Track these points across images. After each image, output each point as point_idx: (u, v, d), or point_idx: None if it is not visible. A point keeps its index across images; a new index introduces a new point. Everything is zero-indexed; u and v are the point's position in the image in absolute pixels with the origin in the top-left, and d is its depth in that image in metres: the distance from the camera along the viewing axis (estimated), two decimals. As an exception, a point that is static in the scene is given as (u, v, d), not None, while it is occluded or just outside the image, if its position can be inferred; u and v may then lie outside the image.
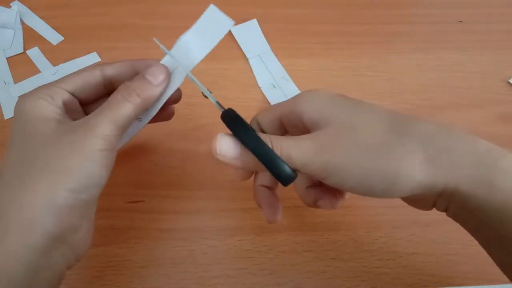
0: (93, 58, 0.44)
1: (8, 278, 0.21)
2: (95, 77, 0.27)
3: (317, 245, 0.33)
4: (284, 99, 0.41)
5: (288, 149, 0.23)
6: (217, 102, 0.27)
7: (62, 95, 0.26)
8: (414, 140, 0.23)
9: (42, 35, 0.46)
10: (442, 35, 0.47)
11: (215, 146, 0.25)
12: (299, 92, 0.41)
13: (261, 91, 0.42)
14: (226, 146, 0.25)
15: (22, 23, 0.47)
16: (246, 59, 0.44)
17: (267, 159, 0.23)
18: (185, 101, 0.41)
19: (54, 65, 0.44)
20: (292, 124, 0.27)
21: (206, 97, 0.27)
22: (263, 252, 0.33)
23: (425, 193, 0.23)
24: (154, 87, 0.26)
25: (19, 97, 0.25)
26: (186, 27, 0.30)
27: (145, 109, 0.26)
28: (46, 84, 0.26)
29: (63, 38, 0.46)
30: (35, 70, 0.43)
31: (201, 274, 0.32)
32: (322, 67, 0.44)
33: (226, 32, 0.28)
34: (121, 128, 0.25)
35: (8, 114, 0.40)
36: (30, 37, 0.46)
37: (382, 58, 0.45)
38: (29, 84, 0.42)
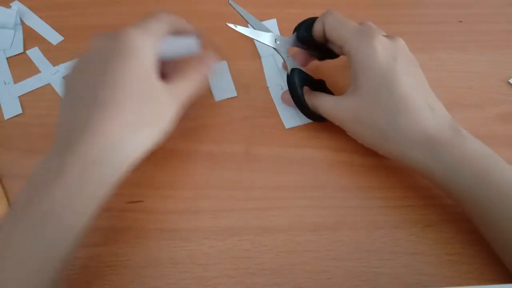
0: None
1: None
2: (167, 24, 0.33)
3: (317, 245, 0.33)
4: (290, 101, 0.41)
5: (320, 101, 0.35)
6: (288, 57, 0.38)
7: (163, 36, 0.32)
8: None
9: (42, 35, 0.46)
10: (442, 35, 0.47)
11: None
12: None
13: (269, 91, 0.42)
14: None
15: (22, 23, 0.47)
16: (259, 58, 0.44)
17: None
18: (185, 101, 0.41)
19: (54, 65, 0.44)
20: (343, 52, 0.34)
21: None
22: (263, 252, 0.33)
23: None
24: (212, 63, 0.36)
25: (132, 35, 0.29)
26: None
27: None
28: (151, 20, 0.32)
29: (63, 38, 0.46)
30: (35, 70, 0.43)
31: (201, 274, 0.32)
32: (322, 67, 0.44)
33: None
34: (194, 93, 0.33)
35: (8, 114, 0.40)
36: (30, 37, 0.46)
37: (382, 58, 0.45)
38: (29, 84, 0.42)
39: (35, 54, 0.45)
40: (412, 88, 0.30)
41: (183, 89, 0.31)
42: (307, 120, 0.39)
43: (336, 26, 0.33)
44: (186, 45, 0.35)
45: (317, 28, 0.35)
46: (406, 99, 0.30)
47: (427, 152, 0.29)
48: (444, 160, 0.28)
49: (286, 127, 0.39)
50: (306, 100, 0.36)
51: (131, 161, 0.28)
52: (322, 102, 0.34)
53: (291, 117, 0.40)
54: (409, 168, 0.34)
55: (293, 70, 0.36)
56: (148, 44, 0.28)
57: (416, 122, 0.29)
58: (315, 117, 0.37)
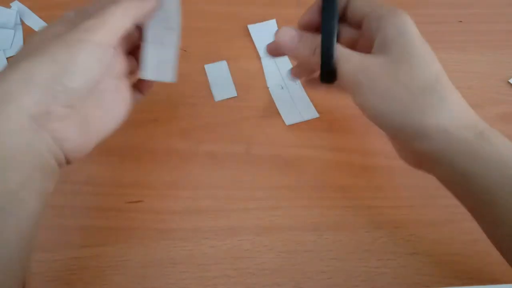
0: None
1: None
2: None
3: (317, 245, 0.33)
4: (291, 101, 0.41)
5: (344, 55, 0.27)
6: None
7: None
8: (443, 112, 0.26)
9: (42, 35, 0.46)
10: (442, 35, 0.47)
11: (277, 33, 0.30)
12: (305, 95, 0.41)
13: (268, 91, 0.42)
14: (287, 34, 0.30)
15: (22, 23, 0.47)
16: (259, 58, 0.44)
17: (327, 50, 0.27)
18: (185, 101, 0.41)
19: (54, 65, 0.44)
20: (367, 29, 0.28)
21: None
22: (263, 252, 0.33)
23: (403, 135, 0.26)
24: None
25: None
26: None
27: (136, 18, 0.26)
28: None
29: (63, 38, 0.46)
30: (35, 70, 0.43)
31: (201, 274, 0.32)
32: (322, 67, 0.44)
33: None
34: (114, 27, 0.25)
35: (8, 114, 0.40)
36: (30, 37, 0.46)
37: (382, 58, 0.45)
38: (29, 84, 0.42)
39: (35, 54, 0.44)
40: (442, 73, 0.28)
41: (93, 21, 0.25)
42: (307, 117, 0.40)
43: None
44: None
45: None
46: (441, 83, 0.27)
47: (441, 149, 0.26)
48: (458, 165, 0.26)
49: (287, 123, 0.39)
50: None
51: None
52: (344, 55, 0.27)
53: (291, 114, 0.40)
54: (408, 147, 0.28)
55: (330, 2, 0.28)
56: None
57: (443, 111, 0.26)
58: (328, 75, 0.28)
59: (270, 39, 0.46)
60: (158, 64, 0.29)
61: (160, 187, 0.36)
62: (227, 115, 0.40)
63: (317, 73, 0.30)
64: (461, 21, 0.48)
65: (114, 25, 0.25)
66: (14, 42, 0.45)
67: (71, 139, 0.25)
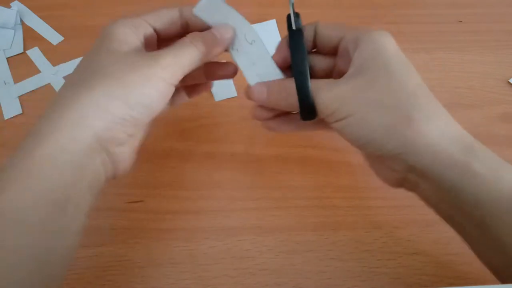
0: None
1: (59, 172, 0.23)
2: (174, 14, 0.29)
3: (317, 245, 0.33)
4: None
5: (317, 88, 0.26)
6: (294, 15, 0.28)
7: (145, 28, 0.28)
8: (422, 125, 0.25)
9: (42, 35, 0.46)
10: (442, 35, 0.47)
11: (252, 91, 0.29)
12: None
13: None
14: (259, 90, 0.29)
15: (22, 23, 0.47)
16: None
17: (302, 87, 0.26)
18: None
19: (54, 65, 0.44)
20: (344, 52, 0.28)
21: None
22: (263, 252, 0.33)
23: (399, 162, 0.25)
24: (218, 41, 0.28)
25: (108, 25, 0.28)
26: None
27: (206, 57, 0.28)
28: (132, 16, 0.29)
29: (63, 38, 0.46)
30: (35, 70, 0.43)
31: (201, 274, 0.32)
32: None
33: None
34: (183, 67, 0.26)
35: (8, 114, 0.40)
36: (30, 37, 0.46)
37: (382, 58, 0.45)
38: (29, 84, 0.42)
39: (35, 54, 0.45)
40: (424, 88, 0.27)
41: (170, 60, 0.26)
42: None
43: (332, 25, 0.29)
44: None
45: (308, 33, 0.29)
46: (423, 97, 0.26)
47: (426, 163, 0.25)
48: (446, 178, 0.25)
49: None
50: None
51: (107, 137, 0.24)
52: (318, 86, 0.26)
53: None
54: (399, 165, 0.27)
55: (297, 31, 0.28)
56: (120, 26, 0.27)
57: (426, 127, 0.25)
58: (308, 111, 0.27)
59: (270, 39, 0.47)
60: (261, 76, 0.30)
61: (160, 187, 0.36)
62: (227, 115, 0.40)
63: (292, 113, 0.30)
64: (461, 21, 0.48)
65: (187, 68, 0.27)
66: (14, 42, 0.45)
67: (124, 161, 0.27)
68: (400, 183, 0.28)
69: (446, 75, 0.44)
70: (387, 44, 0.27)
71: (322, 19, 0.50)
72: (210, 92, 0.41)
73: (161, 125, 0.39)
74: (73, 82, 0.25)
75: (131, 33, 0.27)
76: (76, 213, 0.24)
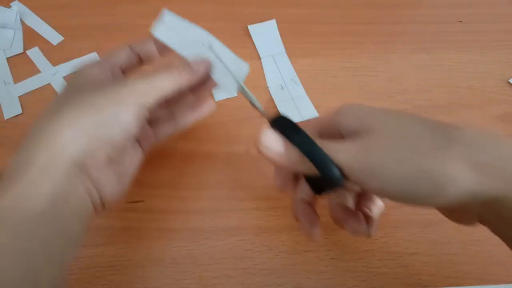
0: (93, 58, 0.44)
1: (36, 201, 0.22)
2: (127, 51, 0.31)
3: (317, 245, 0.33)
4: (291, 101, 0.41)
5: (330, 150, 0.23)
6: (264, 111, 0.29)
7: (108, 63, 0.29)
8: (462, 145, 0.21)
9: (42, 35, 0.46)
10: (442, 35, 0.47)
11: (260, 139, 0.25)
12: (305, 95, 0.41)
13: (269, 91, 0.42)
14: (272, 140, 0.25)
15: (22, 23, 0.47)
16: (259, 59, 0.44)
17: (318, 158, 0.23)
18: (185, 101, 0.41)
19: (54, 65, 0.44)
20: (329, 136, 0.26)
21: (253, 105, 0.29)
22: (263, 252, 0.33)
23: (470, 203, 0.22)
24: (194, 73, 0.29)
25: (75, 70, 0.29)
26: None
27: (181, 86, 0.28)
28: (95, 60, 0.30)
29: (63, 38, 0.46)
30: (35, 70, 0.43)
31: (201, 274, 0.32)
32: (322, 67, 0.44)
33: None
34: (154, 90, 0.27)
35: (8, 114, 0.40)
36: (30, 37, 0.46)
37: (382, 58, 0.45)
38: (29, 84, 0.42)
39: (35, 54, 0.45)
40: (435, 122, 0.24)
41: (141, 82, 0.26)
42: (307, 117, 0.40)
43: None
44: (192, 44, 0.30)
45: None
46: (454, 126, 0.23)
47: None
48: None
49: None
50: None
51: (82, 162, 0.24)
52: (336, 147, 0.23)
53: (291, 114, 0.39)
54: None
55: (281, 119, 0.26)
56: (87, 68, 0.29)
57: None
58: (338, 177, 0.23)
59: (270, 39, 0.47)
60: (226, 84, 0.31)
61: (160, 187, 0.36)
62: (227, 115, 0.40)
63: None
64: (461, 21, 0.48)
65: (161, 93, 0.27)
66: (14, 42, 0.45)
67: (110, 187, 0.26)
68: (478, 221, 0.25)
69: (446, 75, 0.44)
70: (364, 106, 0.26)
71: (320, 20, 0.51)
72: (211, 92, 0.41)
73: (161, 125, 0.39)
74: (45, 115, 0.25)
75: (99, 70, 0.28)
76: (64, 245, 0.24)
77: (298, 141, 0.24)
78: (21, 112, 0.40)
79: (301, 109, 0.40)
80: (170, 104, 0.33)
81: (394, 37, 0.47)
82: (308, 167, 0.23)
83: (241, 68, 0.30)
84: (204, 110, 0.35)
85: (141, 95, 0.26)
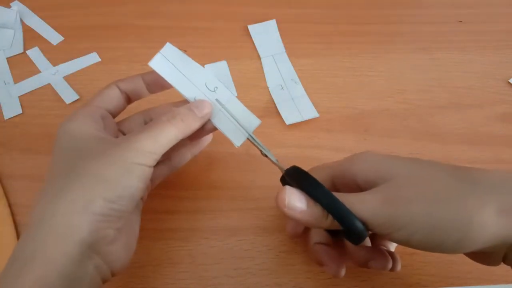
0: (93, 58, 0.44)
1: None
2: (115, 91, 0.29)
3: (317, 245, 0.33)
4: (291, 101, 0.41)
5: (352, 204, 0.23)
6: (277, 161, 0.28)
7: (99, 111, 0.27)
8: (487, 188, 0.21)
9: (42, 35, 0.46)
10: (442, 35, 0.47)
11: (283, 199, 0.24)
12: (305, 95, 0.41)
13: (269, 91, 0.42)
14: (296, 199, 0.24)
15: (22, 23, 0.47)
16: (259, 59, 0.44)
17: (340, 214, 0.23)
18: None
19: (54, 65, 0.44)
20: (344, 184, 0.26)
21: (265, 156, 0.28)
22: (263, 252, 0.33)
23: (497, 246, 0.21)
24: (197, 118, 0.28)
25: (64, 122, 0.27)
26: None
27: (185, 135, 0.27)
28: (82, 106, 0.28)
29: (63, 38, 0.46)
30: (35, 70, 0.43)
31: (201, 274, 0.32)
32: (322, 67, 0.44)
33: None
34: (160, 147, 0.25)
35: (8, 114, 0.40)
36: (30, 37, 0.46)
37: (382, 58, 0.45)
38: (29, 84, 0.42)
39: (35, 54, 0.45)
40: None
41: (146, 142, 0.24)
42: (307, 117, 0.39)
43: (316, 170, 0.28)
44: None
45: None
46: (468, 169, 0.23)
47: None
48: None
49: (287, 123, 0.39)
50: None
51: (81, 237, 0.22)
52: (358, 200, 0.23)
53: (291, 114, 0.40)
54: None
55: (295, 170, 0.26)
56: (73, 122, 0.26)
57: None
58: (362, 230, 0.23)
59: (270, 39, 0.47)
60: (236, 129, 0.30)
61: (160, 187, 0.36)
62: (227, 115, 0.40)
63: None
64: (461, 21, 0.48)
65: (167, 148, 0.26)
66: (14, 42, 0.45)
67: (119, 258, 0.25)
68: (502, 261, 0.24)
69: (446, 75, 0.44)
70: (377, 154, 0.26)
71: (319, 20, 0.50)
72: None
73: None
74: (48, 194, 0.24)
75: (92, 125, 0.26)
76: None
77: (319, 197, 0.24)
78: (21, 112, 0.40)
79: (301, 109, 0.40)
80: None
81: (394, 37, 0.47)
82: (330, 223, 0.23)
83: (252, 121, 0.29)
84: (201, 145, 0.34)
85: (148, 157, 0.24)
